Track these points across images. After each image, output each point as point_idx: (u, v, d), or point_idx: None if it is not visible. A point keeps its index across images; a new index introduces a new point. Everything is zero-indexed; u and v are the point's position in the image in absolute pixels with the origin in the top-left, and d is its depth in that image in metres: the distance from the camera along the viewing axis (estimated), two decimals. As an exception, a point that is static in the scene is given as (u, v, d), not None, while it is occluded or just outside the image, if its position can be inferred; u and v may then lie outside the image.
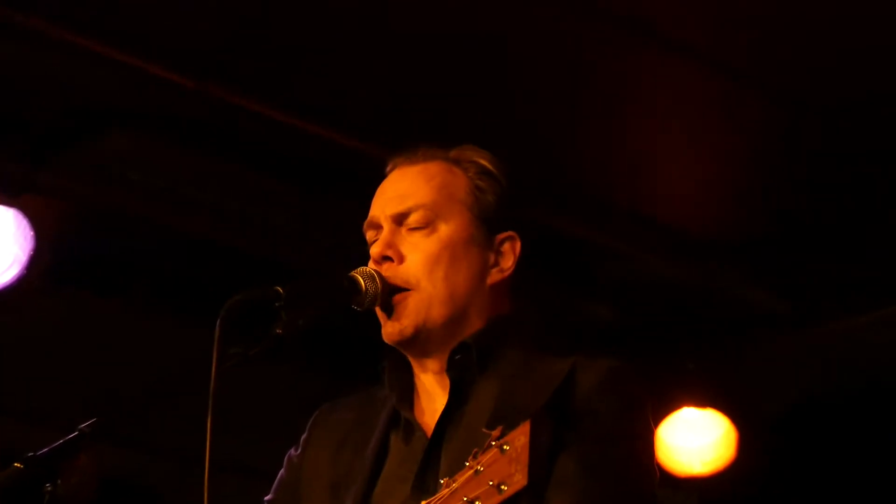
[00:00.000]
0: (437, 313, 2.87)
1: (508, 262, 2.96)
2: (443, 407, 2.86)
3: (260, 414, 6.00)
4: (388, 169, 3.04)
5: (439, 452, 2.81)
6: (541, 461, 2.30)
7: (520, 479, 2.26)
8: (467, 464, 2.37)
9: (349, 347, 5.51)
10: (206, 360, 2.63)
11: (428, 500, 2.49)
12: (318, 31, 4.61)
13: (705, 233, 5.65)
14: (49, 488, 2.58)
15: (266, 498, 3.04)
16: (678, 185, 5.43)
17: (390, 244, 2.91)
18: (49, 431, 2.77)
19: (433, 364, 2.91)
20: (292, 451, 3.05)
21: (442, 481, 2.44)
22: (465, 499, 2.35)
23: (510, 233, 2.97)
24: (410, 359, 2.95)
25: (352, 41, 4.66)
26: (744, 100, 4.95)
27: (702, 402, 6.09)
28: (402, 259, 2.90)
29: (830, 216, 5.43)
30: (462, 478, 2.37)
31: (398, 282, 2.88)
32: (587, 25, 4.60)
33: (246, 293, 2.72)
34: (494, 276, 2.94)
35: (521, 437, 2.29)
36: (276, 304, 2.75)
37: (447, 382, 2.88)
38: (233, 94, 4.82)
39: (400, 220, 2.93)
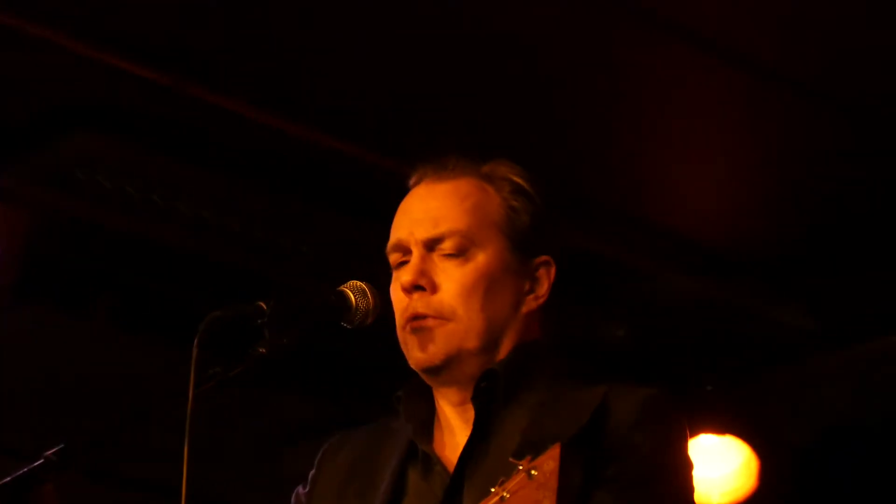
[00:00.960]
0: (472, 345, 2.85)
1: (543, 289, 2.94)
2: (465, 439, 2.84)
3: (241, 441, 5.99)
4: (412, 181, 2.99)
5: (462, 488, 2.79)
6: (571, 489, 2.31)
7: None
8: (493, 490, 2.36)
9: (341, 369, 5.51)
10: (182, 382, 2.62)
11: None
12: (312, 30, 4.62)
13: (728, 246, 5.65)
14: (12, 520, 2.58)
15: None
16: (701, 197, 5.41)
17: (424, 272, 2.87)
18: (11, 459, 2.77)
19: (456, 394, 2.89)
20: (300, 488, 3.03)
21: None
22: None
23: (546, 257, 2.95)
24: (434, 388, 2.93)
25: (349, 41, 4.66)
26: (773, 105, 4.94)
27: (721, 427, 6.09)
28: (435, 289, 2.86)
29: (864, 228, 5.43)
30: (487, 505, 2.38)
31: (431, 313, 2.85)
32: (600, 22, 4.59)
33: (226, 309, 2.70)
34: (529, 304, 2.92)
35: (549, 461, 2.30)
36: (259, 321, 2.73)
37: (470, 413, 2.86)
38: (211, 94, 4.82)
39: (432, 245, 2.89)
